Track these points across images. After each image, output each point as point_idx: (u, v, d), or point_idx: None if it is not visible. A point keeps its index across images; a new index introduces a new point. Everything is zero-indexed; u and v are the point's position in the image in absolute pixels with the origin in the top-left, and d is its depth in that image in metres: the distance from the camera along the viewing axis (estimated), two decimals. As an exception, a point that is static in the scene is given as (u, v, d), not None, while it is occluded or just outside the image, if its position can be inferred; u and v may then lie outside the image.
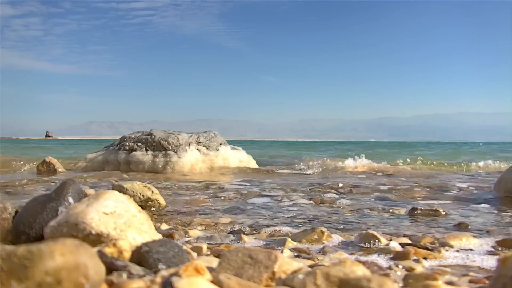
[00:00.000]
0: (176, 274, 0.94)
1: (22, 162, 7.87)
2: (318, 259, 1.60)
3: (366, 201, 3.50)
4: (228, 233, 2.21)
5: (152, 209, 2.87)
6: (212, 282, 0.93)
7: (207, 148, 6.97)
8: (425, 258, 1.59)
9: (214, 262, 1.29)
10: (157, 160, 6.51)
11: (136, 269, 1.05)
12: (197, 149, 6.87)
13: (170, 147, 6.64)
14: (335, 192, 4.09)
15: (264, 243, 1.95)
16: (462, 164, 8.54)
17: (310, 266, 1.34)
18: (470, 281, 1.29)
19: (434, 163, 9.18)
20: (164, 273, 0.96)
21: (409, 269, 1.43)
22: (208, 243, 1.91)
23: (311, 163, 7.98)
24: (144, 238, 1.31)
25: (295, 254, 1.71)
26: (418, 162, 9.16)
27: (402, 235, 2.11)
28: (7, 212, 1.55)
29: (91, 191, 2.68)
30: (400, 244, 1.83)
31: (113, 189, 2.76)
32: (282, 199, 3.56)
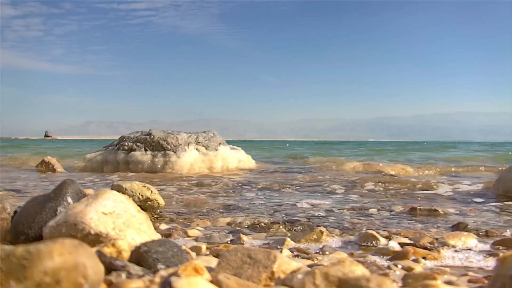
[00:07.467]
0: (175, 274, 0.94)
1: (21, 162, 7.86)
2: (317, 259, 1.60)
3: (366, 200, 3.51)
4: (227, 233, 2.21)
5: (151, 209, 2.87)
6: (211, 282, 0.93)
7: (206, 148, 6.96)
8: (424, 258, 1.60)
9: (213, 262, 1.28)
10: (156, 160, 6.50)
11: (135, 269, 1.05)
12: (196, 149, 6.86)
13: (169, 147, 6.63)
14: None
15: (263, 242, 1.95)
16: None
17: (309, 266, 1.34)
18: (469, 281, 1.29)
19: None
20: (163, 273, 0.96)
21: (408, 269, 1.43)
22: (207, 243, 1.90)
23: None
24: (143, 238, 1.31)
25: (294, 254, 1.71)
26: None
27: (401, 235, 2.11)
28: (6, 212, 1.55)
29: (90, 191, 2.68)
30: (399, 244, 1.83)
31: (112, 189, 2.75)
32: (282, 199, 3.56)
